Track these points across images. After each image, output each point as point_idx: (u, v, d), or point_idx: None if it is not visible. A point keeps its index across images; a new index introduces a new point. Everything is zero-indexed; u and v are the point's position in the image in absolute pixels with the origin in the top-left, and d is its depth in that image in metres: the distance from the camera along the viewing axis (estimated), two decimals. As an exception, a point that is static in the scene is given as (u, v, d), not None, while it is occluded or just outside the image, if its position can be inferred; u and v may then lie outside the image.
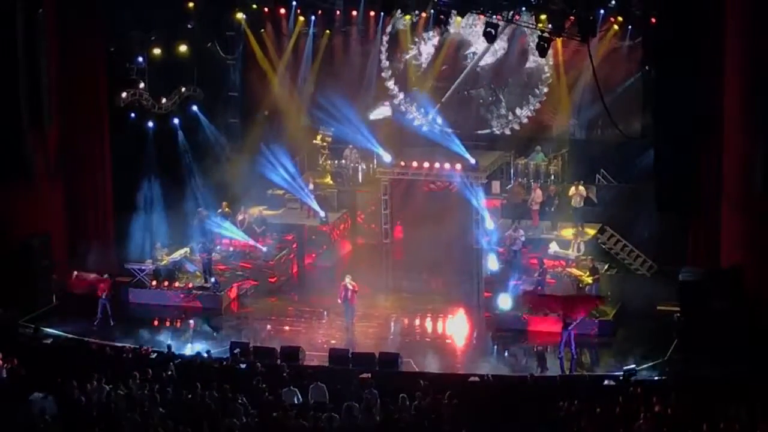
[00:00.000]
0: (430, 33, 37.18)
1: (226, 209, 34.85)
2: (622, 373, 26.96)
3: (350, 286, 30.34)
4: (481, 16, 32.65)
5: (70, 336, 30.25)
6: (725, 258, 28.97)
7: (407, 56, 37.86)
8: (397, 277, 34.90)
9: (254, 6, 36.99)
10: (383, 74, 38.13)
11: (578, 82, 35.82)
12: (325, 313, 31.64)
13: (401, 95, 38.14)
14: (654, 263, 33.10)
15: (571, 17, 30.50)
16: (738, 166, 28.38)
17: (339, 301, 30.67)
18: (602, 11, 32.65)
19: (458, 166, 34.47)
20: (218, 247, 34.53)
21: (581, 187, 34.20)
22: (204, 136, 36.83)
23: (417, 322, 32.09)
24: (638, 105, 35.04)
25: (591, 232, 33.78)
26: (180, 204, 35.26)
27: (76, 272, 32.10)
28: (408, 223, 36.12)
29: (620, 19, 33.26)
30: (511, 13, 31.95)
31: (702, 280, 28.35)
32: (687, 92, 27.73)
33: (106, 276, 31.71)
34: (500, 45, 36.16)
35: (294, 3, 36.62)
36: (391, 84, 38.18)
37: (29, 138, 31.16)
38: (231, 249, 34.76)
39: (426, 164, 34.99)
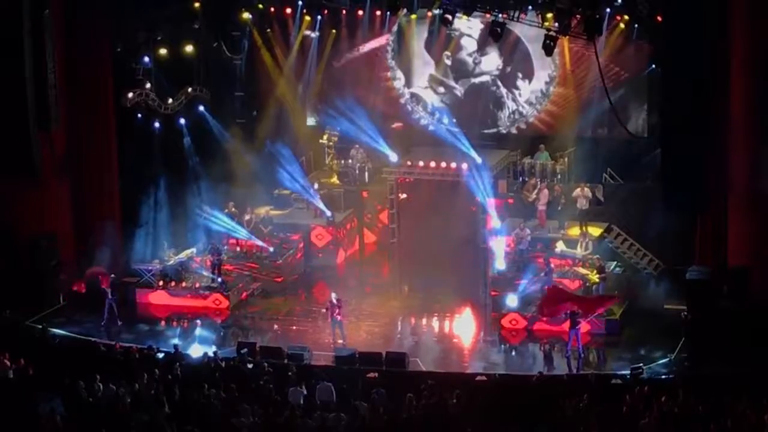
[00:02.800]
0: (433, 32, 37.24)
1: (233, 209, 34.84)
2: (629, 371, 26.96)
3: (335, 302, 30.19)
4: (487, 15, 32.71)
5: (77, 336, 30.32)
6: (732, 257, 28.93)
7: (413, 55, 37.88)
8: (404, 276, 34.84)
9: (260, 6, 36.96)
10: (389, 74, 38.15)
11: (585, 80, 35.82)
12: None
13: (407, 94, 38.15)
14: (661, 262, 33.03)
15: (578, 16, 30.54)
16: (745, 165, 28.36)
17: (325, 312, 30.55)
18: (608, 10, 32.63)
19: (464, 165, 34.39)
20: (225, 248, 34.54)
21: (586, 189, 34.06)
22: (210, 136, 36.78)
23: (424, 321, 32.06)
24: (645, 103, 35.06)
25: (598, 231, 33.71)
26: (186, 204, 35.26)
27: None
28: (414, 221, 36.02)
29: (626, 17, 33.19)
30: (518, 11, 31.92)
31: (709, 278, 28.33)
32: (693, 90, 27.67)
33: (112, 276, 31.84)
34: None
35: (300, 2, 36.58)
36: (397, 83, 38.19)
37: (36, 138, 31.17)
38: (238, 249, 34.77)
39: (432, 163, 34.92)
